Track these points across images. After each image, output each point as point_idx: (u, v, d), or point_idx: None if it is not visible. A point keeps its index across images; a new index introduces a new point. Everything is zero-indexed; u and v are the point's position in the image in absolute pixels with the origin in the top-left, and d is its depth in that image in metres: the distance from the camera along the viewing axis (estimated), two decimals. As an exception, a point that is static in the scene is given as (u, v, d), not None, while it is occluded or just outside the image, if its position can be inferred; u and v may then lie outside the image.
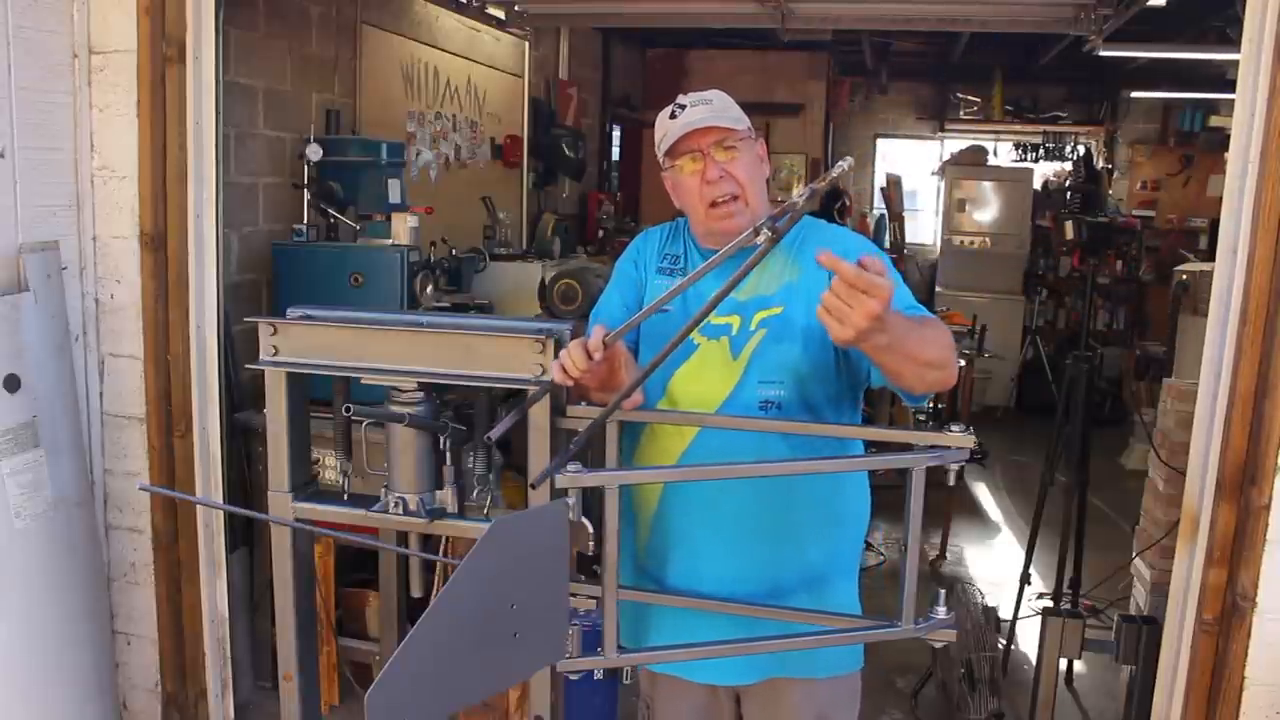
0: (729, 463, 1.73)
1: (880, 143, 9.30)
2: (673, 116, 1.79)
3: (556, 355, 1.69)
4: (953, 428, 1.51)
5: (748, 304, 1.78)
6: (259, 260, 3.54)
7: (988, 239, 8.03)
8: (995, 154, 8.76)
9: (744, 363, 1.77)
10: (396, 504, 1.91)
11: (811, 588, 1.79)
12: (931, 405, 5.86)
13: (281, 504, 1.93)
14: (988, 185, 8.14)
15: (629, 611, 1.80)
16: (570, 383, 1.63)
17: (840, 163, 1.40)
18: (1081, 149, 8.36)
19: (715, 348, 1.79)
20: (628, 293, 1.93)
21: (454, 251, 3.79)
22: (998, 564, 4.82)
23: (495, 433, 1.69)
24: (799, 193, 1.39)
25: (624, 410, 1.67)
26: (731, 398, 1.77)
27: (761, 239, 1.38)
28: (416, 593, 2.10)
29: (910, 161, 9.16)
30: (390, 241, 3.36)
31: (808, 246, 1.76)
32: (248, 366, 1.97)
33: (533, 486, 1.72)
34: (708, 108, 1.78)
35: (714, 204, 1.77)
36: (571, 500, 1.54)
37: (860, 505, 1.91)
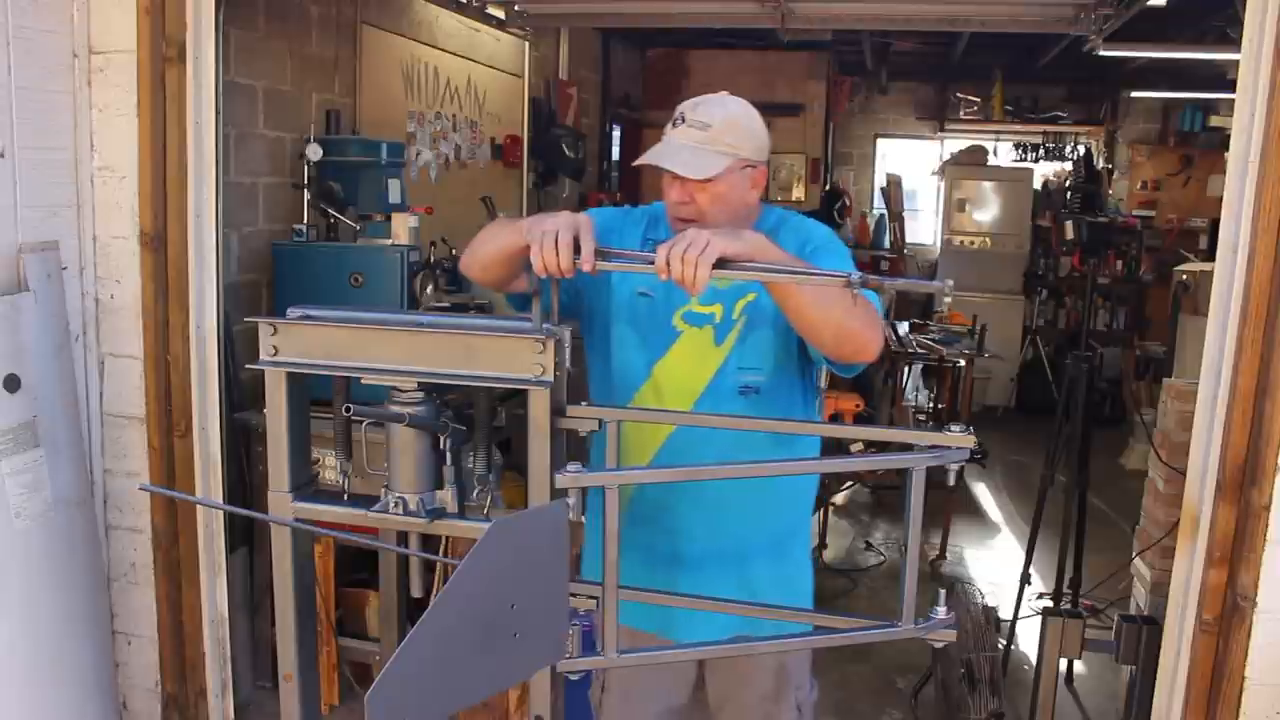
0: (727, 462, 1.79)
1: (880, 143, 9.29)
2: (674, 125, 1.82)
3: (557, 355, 1.69)
4: (953, 428, 1.52)
5: (728, 292, 1.85)
6: (259, 260, 3.54)
7: (988, 239, 8.03)
8: (995, 154, 8.75)
9: (727, 349, 1.86)
10: (396, 504, 1.90)
11: (775, 549, 1.97)
12: (931, 405, 5.86)
13: (281, 504, 1.93)
14: (988, 185, 8.14)
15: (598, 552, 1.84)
16: (544, 273, 1.62)
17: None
18: (1081, 149, 8.35)
19: (699, 335, 1.87)
20: (610, 237, 1.91)
21: (454, 251, 3.78)
22: (998, 564, 4.82)
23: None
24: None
25: (614, 410, 1.73)
26: (713, 383, 1.86)
27: None
28: (416, 593, 2.09)
29: (910, 161, 9.15)
30: (390, 241, 3.36)
31: (780, 235, 1.82)
32: (248, 366, 1.97)
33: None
34: (700, 134, 1.79)
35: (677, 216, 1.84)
36: (571, 500, 1.54)
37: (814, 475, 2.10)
